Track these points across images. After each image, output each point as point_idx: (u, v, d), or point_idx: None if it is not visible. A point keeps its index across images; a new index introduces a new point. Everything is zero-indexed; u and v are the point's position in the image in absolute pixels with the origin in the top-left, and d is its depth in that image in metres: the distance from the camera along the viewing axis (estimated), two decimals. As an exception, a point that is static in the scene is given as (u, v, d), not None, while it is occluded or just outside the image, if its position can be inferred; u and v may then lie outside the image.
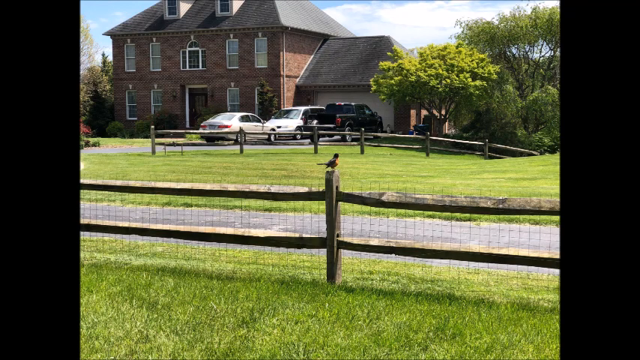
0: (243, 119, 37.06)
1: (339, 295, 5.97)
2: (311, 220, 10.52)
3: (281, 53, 44.08)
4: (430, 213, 10.59)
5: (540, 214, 5.84)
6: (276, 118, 39.42)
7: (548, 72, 44.16)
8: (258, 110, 44.17)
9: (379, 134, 34.86)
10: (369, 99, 43.06)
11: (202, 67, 46.32)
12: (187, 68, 46.73)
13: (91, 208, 11.75)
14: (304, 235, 7.01)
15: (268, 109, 43.28)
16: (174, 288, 6.20)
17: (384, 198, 6.40)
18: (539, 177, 19.41)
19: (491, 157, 34.01)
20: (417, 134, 39.51)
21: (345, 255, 7.91)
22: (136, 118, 47.49)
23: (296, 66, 45.97)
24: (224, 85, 45.76)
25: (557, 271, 7.03)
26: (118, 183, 7.88)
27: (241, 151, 29.23)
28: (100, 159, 25.09)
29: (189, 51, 46.54)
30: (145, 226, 7.90)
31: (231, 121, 36.35)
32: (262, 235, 7.16)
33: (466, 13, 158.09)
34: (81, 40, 57.93)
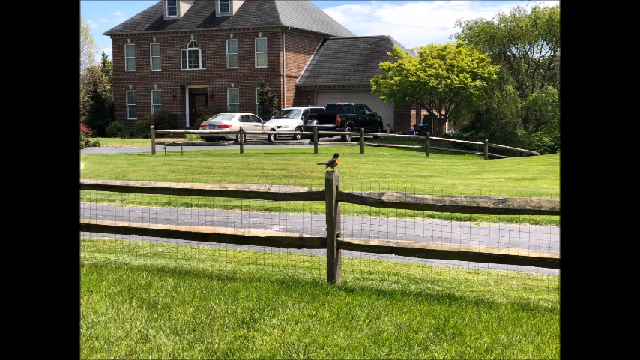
0: (243, 119, 37.06)
1: (339, 295, 5.97)
2: (311, 220, 10.52)
3: (281, 53, 44.09)
4: (430, 213, 10.59)
5: (540, 214, 5.84)
6: (276, 118, 39.42)
7: (548, 72, 44.17)
8: (258, 110, 44.18)
9: (379, 134, 34.88)
10: (369, 99, 43.06)
11: (202, 67, 46.33)
12: (187, 68, 46.74)
13: (91, 208, 11.75)
14: (304, 235, 7.01)
15: (268, 109, 43.28)
16: (174, 288, 6.20)
17: (384, 198, 6.39)
18: (539, 177, 19.41)
19: (491, 157, 34.02)
20: (417, 134, 39.51)
21: (345, 255, 7.90)
22: (136, 118, 47.50)
23: (296, 66, 45.97)
24: (224, 85, 45.77)
25: (557, 271, 7.03)
26: (118, 183, 7.88)
27: (241, 151, 29.23)
28: (100, 159, 25.09)
29: (189, 51, 46.54)
30: (145, 226, 7.90)
31: (231, 121, 36.35)
32: (262, 235, 7.16)
33: (466, 13, 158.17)
34: (81, 40, 57.91)
